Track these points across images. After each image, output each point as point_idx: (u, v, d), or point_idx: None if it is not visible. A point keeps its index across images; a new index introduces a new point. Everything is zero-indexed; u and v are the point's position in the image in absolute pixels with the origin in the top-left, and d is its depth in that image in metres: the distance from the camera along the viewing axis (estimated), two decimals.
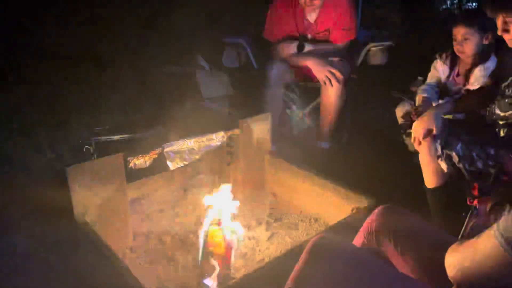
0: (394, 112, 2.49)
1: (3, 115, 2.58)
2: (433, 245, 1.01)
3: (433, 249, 0.97)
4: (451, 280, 0.85)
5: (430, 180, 1.84)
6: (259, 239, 1.89)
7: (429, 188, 1.86)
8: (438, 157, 1.65)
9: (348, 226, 1.62)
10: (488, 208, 0.82)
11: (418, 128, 1.83)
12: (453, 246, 0.87)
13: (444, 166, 1.65)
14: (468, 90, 2.12)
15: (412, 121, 2.30)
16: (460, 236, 1.03)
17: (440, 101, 2.18)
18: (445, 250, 0.90)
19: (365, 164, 2.43)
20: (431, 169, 1.81)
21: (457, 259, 0.84)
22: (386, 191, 1.97)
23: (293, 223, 2.01)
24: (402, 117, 2.36)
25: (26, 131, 2.47)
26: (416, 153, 2.42)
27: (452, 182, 1.71)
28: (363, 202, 1.78)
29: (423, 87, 2.36)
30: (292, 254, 1.53)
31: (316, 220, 2.01)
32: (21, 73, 2.92)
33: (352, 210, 1.79)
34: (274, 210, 2.12)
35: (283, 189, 2.19)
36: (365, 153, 2.56)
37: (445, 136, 1.74)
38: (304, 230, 1.95)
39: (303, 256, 1.01)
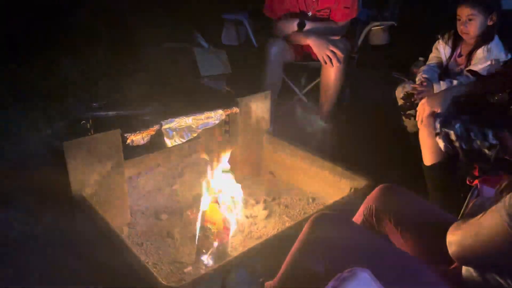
0: (393, 93, 2.47)
1: None
2: (433, 225, 1.01)
3: (434, 228, 0.97)
4: (453, 257, 0.85)
5: (428, 158, 1.84)
6: (256, 218, 1.90)
7: (427, 166, 1.86)
8: (436, 134, 1.64)
9: (346, 205, 1.62)
10: (501, 188, 0.82)
11: (425, 107, 1.82)
12: (455, 225, 0.87)
13: (441, 144, 1.64)
14: (473, 72, 2.09)
15: (412, 103, 2.29)
16: (460, 216, 1.03)
17: (441, 82, 2.16)
18: (445, 229, 0.90)
19: (364, 144, 2.43)
20: (429, 146, 1.82)
21: (459, 237, 0.84)
22: (384, 171, 1.97)
23: (290, 202, 2.01)
24: (402, 98, 2.35)
25: (22, 107, 2.44)
26: (414, 134, 2.42)
27: (449, 160, 1.71)
28: (361, 182, 1.78)
29: (423, 68, 2.34)
30: (290, 232, 1.54)
31: (313, 199, 2.01)
32: (16, 48, 2.86)
33: (350, 189, 1.79)
34: (271, 189, 2.12)
35: (281, 168, 2.18)
36: (363, 133, 2.55)
37: (445, 114, 1.74)
38: (302, 209, 1.96)
39: (305, 229, 1.01)
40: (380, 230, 1.13)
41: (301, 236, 1.03)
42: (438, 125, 1.59)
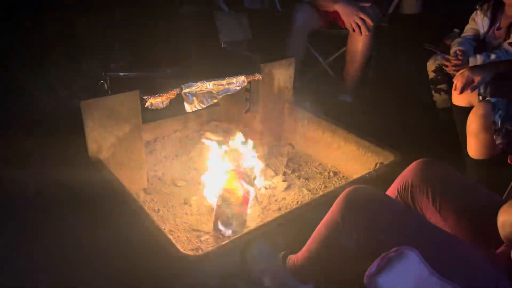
0: (423, 67, 2.34)
1: (14, 51, 2.49)
2: (477, 204, 0.94)
3: (478, 207, 0.90)
4: (505, 240, 0.78)
5: (478, 152, 1.65)
6: (275, 189, 1.84)
7: (474, 159, 1.69)
8: (496, 131, 1.49)
9: (372, 181, 1.55)
10: None
11: (465, 77, 1.71)
12: (508, 204, 0.79)
13: (499, 140, 1.50)
14: None
15: (444, 76, 2.16)
16: (505, 195, 0.95)
17: (478, 56, 2.03)
18: (491, 209, 0.83)
19: (390, 119, 2.33)
20: (481, 140, 1.62)
21: None
22: (411, 148, 1.87)
23: (311, 175, 1.94)
24: (434, 71, 2.23)
25: (38, 67, 2.39)
26: (444, 110, 2.31)
27: (501, 155, 1.56)
28: (387, 157, 1.70)
29: (458, 40, 2.20)
30: (312, 205, 1.48)
31: (335, 173, 1.94)
32: (31, 7, 2.78)
33: (376, 164, 1.71)
34: (291, 160, 2.05)
35: (301, 139, 2.11)
36: (390, 108, 2.44)
37: (505, 108, 1.57)
38: (322, 183, 1.89)
39: (337, 204, 0.94)
40: (415, 208, 1.05)
41: (332, 210, 0.96)
42: (499, 121, 1.46)
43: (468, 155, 1.70)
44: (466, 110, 1.77)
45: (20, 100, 2.18)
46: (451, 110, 2.23)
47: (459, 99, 1.88)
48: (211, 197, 1.64)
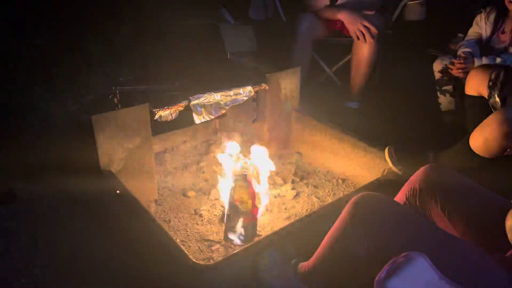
0: (427, 72, 2.35)
1: (25, 66, 2.54)
2: (486, 208, 0.94)
3: (487, 212, 0.90)
4: None
5: (483, 151, 1.51)
6: (285, 197, 1.85)
7: (486, 158, 1.54)
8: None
9: (381, 187, 1.56)
10: None
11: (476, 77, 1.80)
12: None
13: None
14: None
15: (450, 77, 2.18)
16: None
17: (483, 58, 2.04)
18: (499, 213, 0.83)
19: (396, 124, 2.34)
20: (491, 144, 1.48)
21: None
22: (418, 153, 1.87)
23: (319, 183, 1.95)
24: (440, 71, 2.24)
25: (49, 82, 2.44)
26: (449, 113, 2.32)
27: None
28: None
29: (463, 43, 2.22)
30: (321, 213, 1.49)
31: (343, 180, 1.95)
32: (42, 24, 2.84)
33: (383, 171, 1.72)
34: (299, 168, 2.06)
35: (309, 147, 2.12)
36: (396, 112, 2.45)
37: None
38: (331, 190, 1.90)
39: (346, 210, 0.95)
40: (424, 214, 1.06)
41: (341, 217, 0.97)
42: None
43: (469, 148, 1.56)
44: (477, 100, 1.84)
45: (32, 114, 2.22)
46: (455, 113, 2.24)
47: (471, 89, 1.89)
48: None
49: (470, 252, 0.84)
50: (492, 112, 1.65)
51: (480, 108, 1.83)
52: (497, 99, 1.71)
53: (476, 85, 1.85)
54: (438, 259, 0.75)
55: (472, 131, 1.48)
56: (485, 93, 1.78)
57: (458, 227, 0.98)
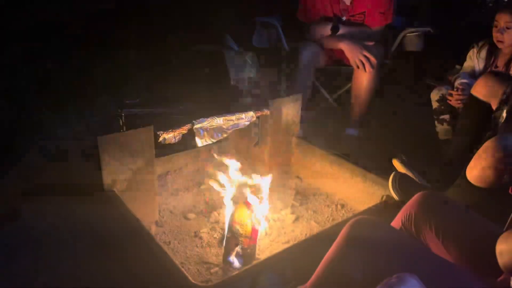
0: (425, 101, 2.41)
1: (33, 88, 2.61)
2: (478, 234, 0.97)
3: (479, 238, 0.92)
4: (503, 268, 0.81)
5: (478, 181, 1.51)
6: (284, 222, 1.87)
7: (475, 185, 1.54)
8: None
9: (379, 213, 1.58)
10: None
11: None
12: (506, 234, 0.82)
13: (507, 180, 1.47)
14: None
15: (447, 107, 2.23)
16: (506, 226, 0.98)
17: None
18: (491, 238, 0.86)
19: (394, 151, 2.37)
20: (487, 175, 1.48)
21: (510, 246, 0.79)
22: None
23: (318, 208, 1.97)
24: (438, 101, 2.29)
25: (55, 104, 2.50)
26: (446, 141, 2.35)
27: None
28: None
29: (459, 75, 2.28)
30: (320, 237, 1.50)
31: (342, 206, 1.97)
32: (50, 48, 2.93)
33: (382, 197, 1.74)
34: (299, 193, 2.09)
35: (309, 173, 2.15)
36: (395, 140, 2.49)
37: None
38: (330, 215, 1.92)
39: (343, 233, 0.97)
40: (420, 239, 1.08)
41: (338, 240, 1.00)
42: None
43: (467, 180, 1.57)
44: (479, 104, 1.86)
45: (39, 135, 2.27)
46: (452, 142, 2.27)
47: (479, 93, 1.87)
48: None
49: (463, 276, 0.86)
50: (487, 120, 1.73)
51: (477, 112, 1.86)
52: (504, 114, 1.72)
53: (487, 91, 1.83)
54: (432, 283, 0.77)
55: (461, 128, 1.52)
56: (494, 103, 1.79)
57: (451, 252, 1.00)
